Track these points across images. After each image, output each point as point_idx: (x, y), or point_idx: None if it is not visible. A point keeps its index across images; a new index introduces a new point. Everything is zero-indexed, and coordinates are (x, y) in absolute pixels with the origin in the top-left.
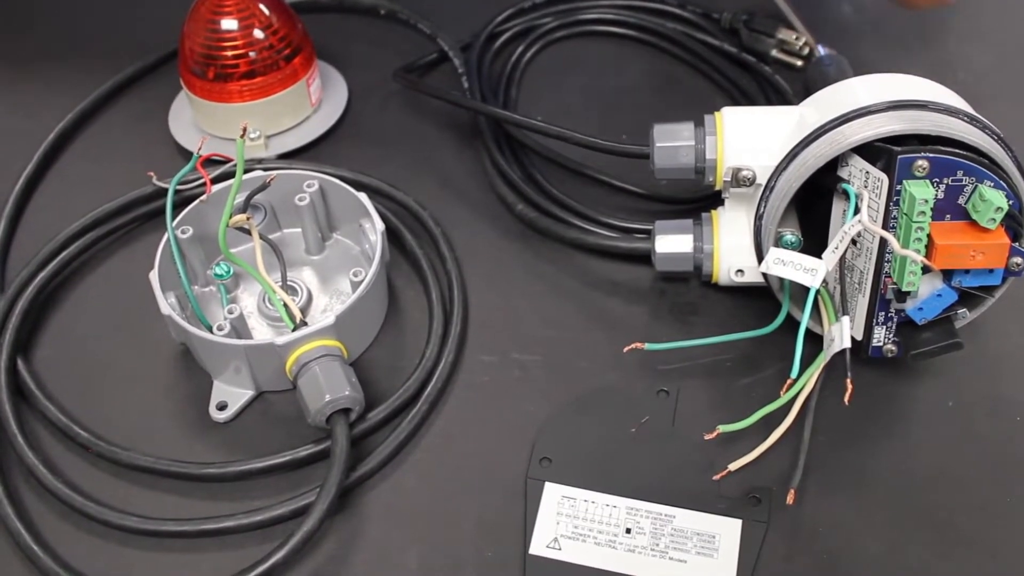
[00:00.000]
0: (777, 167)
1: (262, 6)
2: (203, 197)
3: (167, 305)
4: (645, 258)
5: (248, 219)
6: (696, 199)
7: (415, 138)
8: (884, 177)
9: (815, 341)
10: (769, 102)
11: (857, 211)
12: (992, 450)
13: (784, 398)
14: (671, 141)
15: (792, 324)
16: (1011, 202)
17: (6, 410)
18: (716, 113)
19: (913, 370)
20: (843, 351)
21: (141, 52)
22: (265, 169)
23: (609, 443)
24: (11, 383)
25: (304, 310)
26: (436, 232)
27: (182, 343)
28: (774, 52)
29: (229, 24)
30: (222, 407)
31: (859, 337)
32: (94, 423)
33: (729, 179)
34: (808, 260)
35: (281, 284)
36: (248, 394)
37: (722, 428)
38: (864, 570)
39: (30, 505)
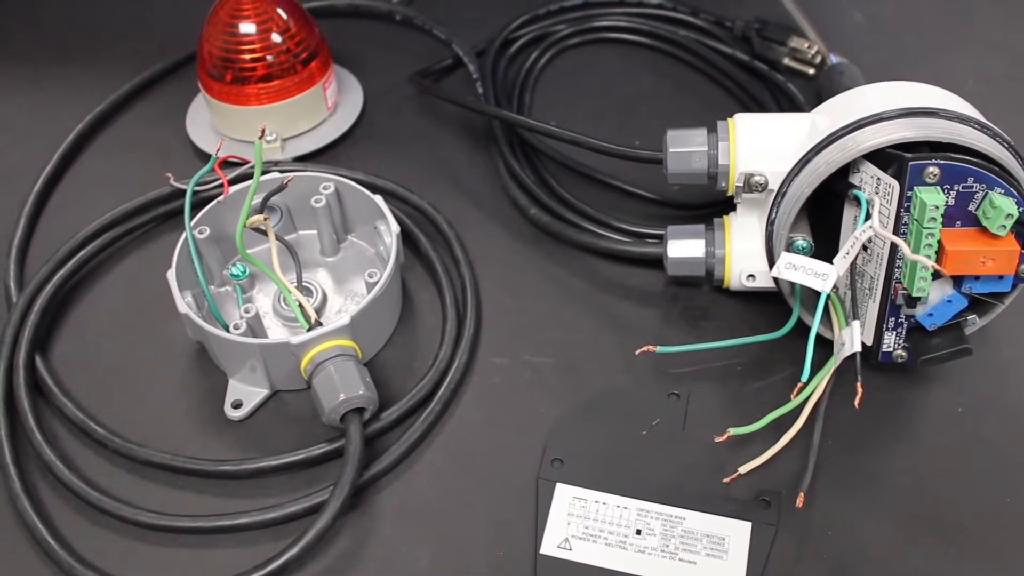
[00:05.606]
0: (789, 173)
1: (280, 10)
2: (221, 198)
3: (184, 304)
4: (657, 262)
5: (265, 220)
6: (708, 204)
7: (430, 142)
8: (895, 183)
9: (825, 346)
10: (781, 109)
11: (868, 217)
12: (1001, 455)
13: (794, 402)
14: (684, 146)
15: (802, 329)
16: (1021, 209)
17: (24, 406)
18: (729, 119)
19: (923, 375)
20: (853, 355)
21: (160, 55)
22: (282, 171)
23: (620, 445)
24: (29, 379)
25: (319, 311)
26: (450, 235)
27: (198, 342)
28: (786, 60)
29: (247, 28)
30: (237, 405)
31: (869, 342)
32: (111, 420)
33: (741, 184)
34: (819, 265)
35: (296, 285)
36: (263, 393)
37: (732, 431)
38: (873, 574)
39: (47, 499)
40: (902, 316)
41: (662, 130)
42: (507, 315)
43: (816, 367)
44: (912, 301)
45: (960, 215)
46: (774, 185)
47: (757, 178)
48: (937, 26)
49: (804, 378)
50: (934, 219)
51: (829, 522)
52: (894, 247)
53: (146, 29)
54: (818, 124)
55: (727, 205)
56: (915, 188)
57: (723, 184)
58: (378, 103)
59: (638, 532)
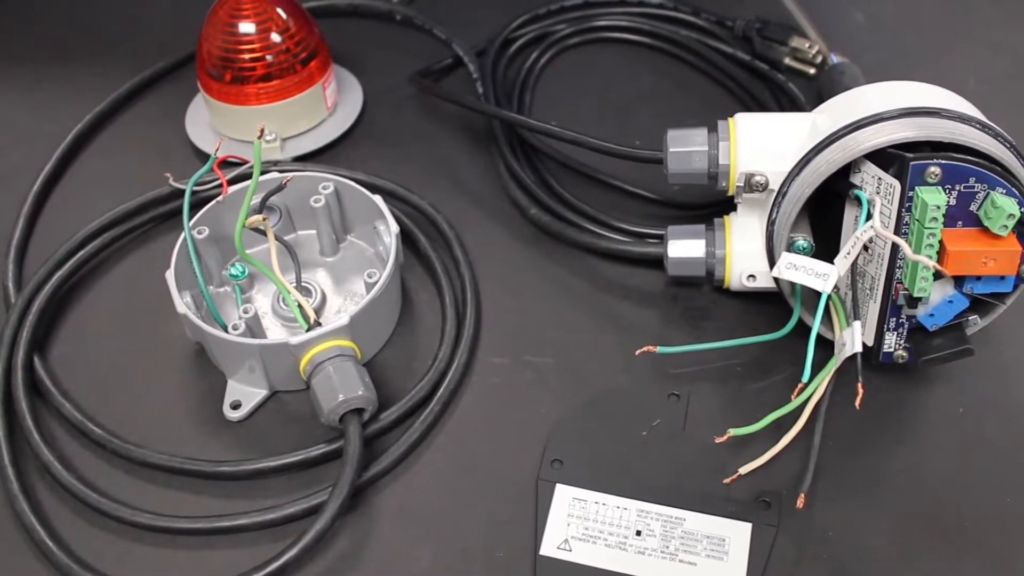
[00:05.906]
0: (790, 173)
1: (279, 10)
2: (220, 198)
3: (183, 304)
4: (657, 262)
5: (264, 220)
6: (709, 204)
7: (429, 142)
8: (896, 183)
9: (826, 346)
10: (782, 109)
11: (869, 217)
12: (1002, 456)
13: (795, 402)
14: (685, 146)
15: (803, 329)
16: (1023, 209)
17: (23, 407)
18: (730, 119)
19: (924, 376)
20: (854, 355)
21: (159, 55)
22: (281, 171)
23: (620, 446)
24: (28, 380)
25: (318, 311)
26: (450, 235)
27: (197, 342)
28: (787, 60)
29: (247, 27)
30: (236, 406)
31: (870, 343)
32: (109, 420)
33: (742, 184)
34: (820, 265)
35: (296, 285)
36: (262, 393)
37: (733, 432)
38: (873, 575)
39: (45, 500)
40: (903, 316)
41: (662, 130)
42: (507, 315)
43: (817, 368)
44: (913, 301)
45: (962, 215)
46: (775, 185)
47: (758, 178)
48: (937, 26)
49: (805, 379)
50: (935, 219)
51: (830, 523)
52: (895, 247)
53: (146, 29)
54: (819, 124)
55: (727, 205)
56: (916, 188)
57: (723, 184)
58: (378, 103)
59: (638, 533)
